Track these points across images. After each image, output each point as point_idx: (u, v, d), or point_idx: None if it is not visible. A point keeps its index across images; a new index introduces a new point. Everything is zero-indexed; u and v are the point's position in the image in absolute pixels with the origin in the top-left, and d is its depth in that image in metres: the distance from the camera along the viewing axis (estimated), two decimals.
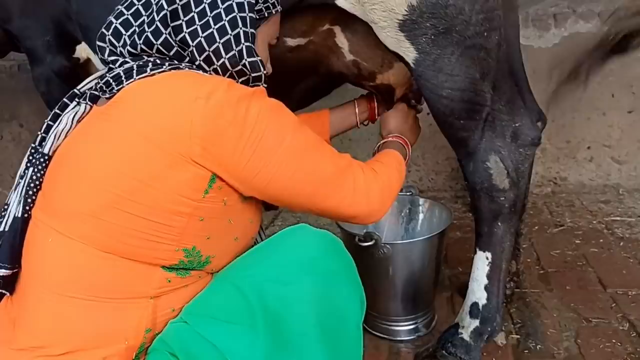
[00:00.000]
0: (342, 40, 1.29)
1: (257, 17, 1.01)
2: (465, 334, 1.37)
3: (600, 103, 2.51)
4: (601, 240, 2.03)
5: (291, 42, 1.28)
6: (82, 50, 1.57)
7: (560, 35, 2.48)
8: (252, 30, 0.98)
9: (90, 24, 1.38)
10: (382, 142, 1.33)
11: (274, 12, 1.06)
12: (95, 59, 1.54)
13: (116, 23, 0.97)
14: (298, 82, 1.42)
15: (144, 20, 0.96)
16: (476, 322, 1.36)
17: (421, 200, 1.74)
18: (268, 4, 1.04)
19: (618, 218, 2.22)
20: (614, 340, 1.44)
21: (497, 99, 1.24)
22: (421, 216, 1.73)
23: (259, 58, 0.98)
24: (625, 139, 2.52)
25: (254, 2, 0.99)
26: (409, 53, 1.15)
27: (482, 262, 1.35)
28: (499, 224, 1.31)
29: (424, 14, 1.09)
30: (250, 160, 0.88)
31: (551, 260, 1.91)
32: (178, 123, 0.85)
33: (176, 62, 0.96)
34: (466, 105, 1.20)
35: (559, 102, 2.51)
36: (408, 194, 1.71)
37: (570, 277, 1.78)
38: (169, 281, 0.91)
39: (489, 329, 1.36)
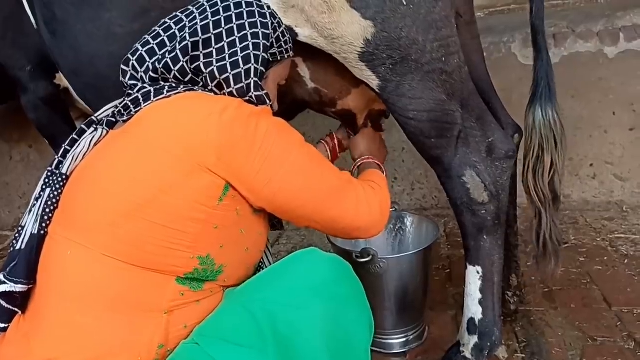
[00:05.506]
0: (303, 69, 1.36)
1: (271, 59, 1.09)
2: (467, 352, 1.36)
3: (602, 121, 2.51)
4: (605, 258, 2.02)
5: None
6: (61, 78, 1.62)
7: (560, 54, 2.51)
8: (262, 68, 1.05)
9: (60, 62, 1.49)
10: (357, 164, 1.37)
11: (286, 57, 1.15)
12: (72, 89, 1.60)
13: (142, 50, 1.04)
14: None
15: (167, 50, 1.03)
16: (475, 338, 1.36)
17: (407, 216, 1.77)
18: (282, 49, 1.12)
19: (622, 235, 2.21)
20: (619, 359, 1.43)
21: (467, 117, 1.29)
22: (408, 231, 1.76)
23: (265, 92, 1.04)
24: (628, 156, 2.52)
25: (269, 45, 1.06)
26: (372, 80, 1.22)
27: (473, 277, 1.36)
28: (485, 237, 1.33)
29: (379, 46, 1.16)
30: (260, 171, 0.94)
31: (555, 278, 1.89)
32: (195, 136, 0.92)
33: (190, 85, 1.03)
34: (435, 125, 1.25)
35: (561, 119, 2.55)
36: (392, 210, 1.73)
37: (575, 295, 1.77)
38: (182, 294, 0.93)
39: (489, 343, 1.36)
